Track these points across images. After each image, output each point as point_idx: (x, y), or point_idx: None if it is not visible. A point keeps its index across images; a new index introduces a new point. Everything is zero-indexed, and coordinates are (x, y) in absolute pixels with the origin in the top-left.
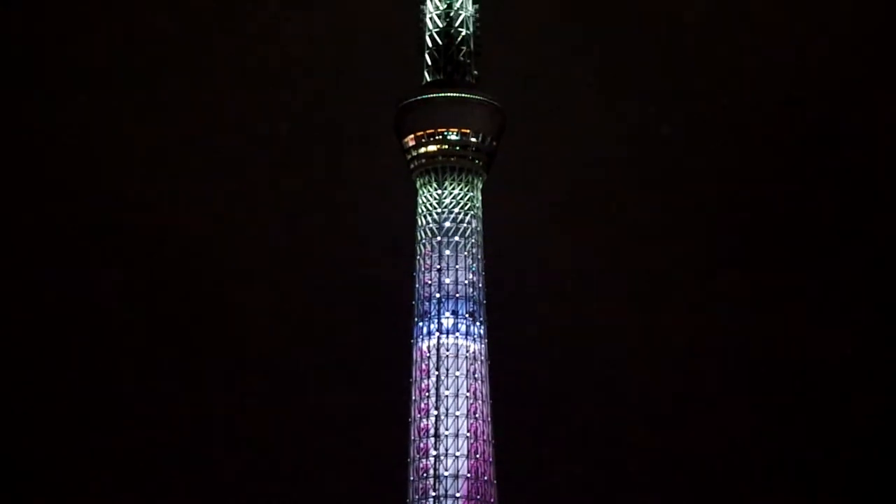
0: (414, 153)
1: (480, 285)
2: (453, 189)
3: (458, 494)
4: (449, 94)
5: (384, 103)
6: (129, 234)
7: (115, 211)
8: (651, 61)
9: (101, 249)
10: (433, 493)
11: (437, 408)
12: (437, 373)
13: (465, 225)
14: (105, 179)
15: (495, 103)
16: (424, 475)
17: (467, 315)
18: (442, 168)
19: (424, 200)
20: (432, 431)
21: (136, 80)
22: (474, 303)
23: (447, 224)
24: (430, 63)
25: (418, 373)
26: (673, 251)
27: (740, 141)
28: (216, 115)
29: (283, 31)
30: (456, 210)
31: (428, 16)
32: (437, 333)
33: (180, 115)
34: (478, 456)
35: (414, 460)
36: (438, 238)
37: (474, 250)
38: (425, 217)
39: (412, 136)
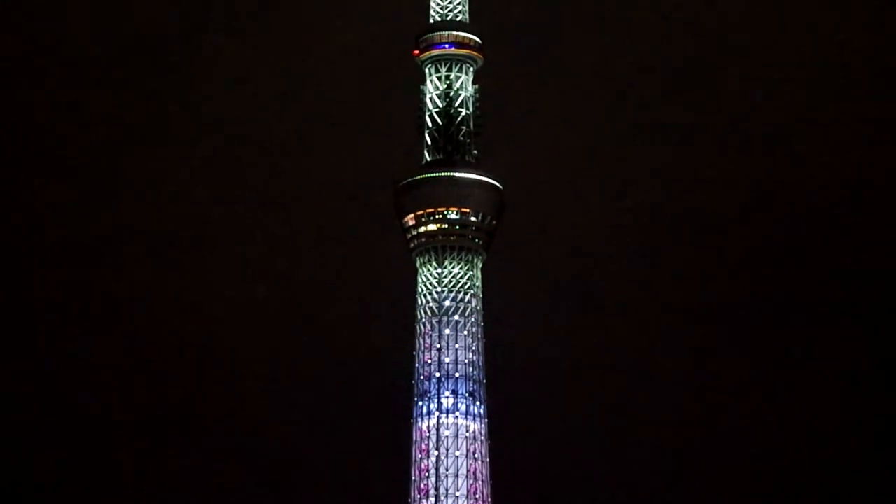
0: (414, 232)
1: (480, 364)
2: (453, 268)
3: None
4: (449, 174)
5: (384, 182)
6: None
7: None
8: (651, 138)
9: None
10: None
11: (436, 488)
12: (436, 453)
13: (464, 304)
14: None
15: (495, 183)
16: None
17: (467, 394)
18: (442, 247)
19: (424, 279)
20: None
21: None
22: (474, 382)
23: (447, 303)
24: (430, 142)
25: (418, 452)
26: (674, 331)
27: (749, 234)
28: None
29: (281, 109)
30: (456, 289)
31: (428, 96)
32: (437, 413)
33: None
34: None
35: None
36: (438, 317)
37: (474, 329)
38: (425, 296)
39: (412, 215)
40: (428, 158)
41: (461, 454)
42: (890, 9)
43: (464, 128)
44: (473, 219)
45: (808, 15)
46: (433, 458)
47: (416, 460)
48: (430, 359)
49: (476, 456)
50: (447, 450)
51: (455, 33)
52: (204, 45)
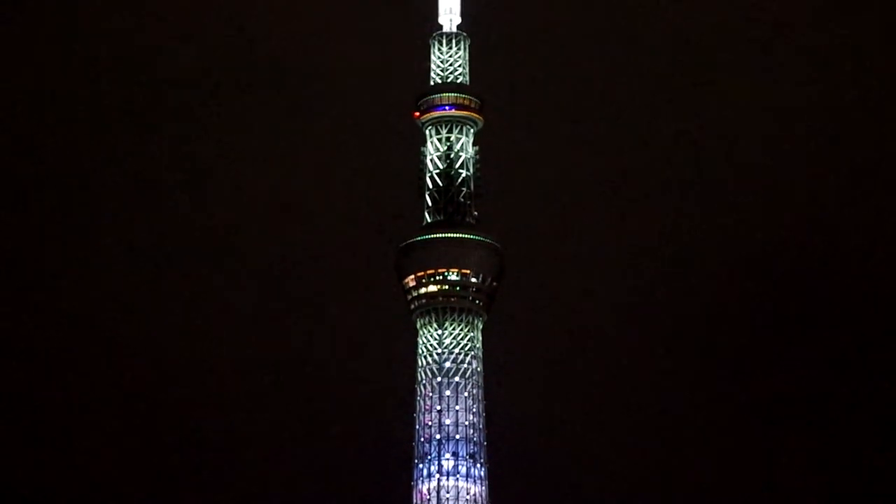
0: (414, 293)
1: (481, 427)
2: (454, 329)
3: None
4: (449, 235)
5: (384, 244)
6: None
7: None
8: (650, 209)
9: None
10: None
11: None
12: None
13: (465, 366)
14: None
15: (495, 244)
16: None
17: (468, 457)
18: (442, 308)
19: (425, 341)
20: None
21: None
22: (475, 444)
23: (447, 364)
24: (430, 204)
25: None
26: (673, 394)
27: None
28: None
29: (279, 170)
30: (456, 350)
31: (428, 157)
32: (438, 475)
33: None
34: None
35: None
36: (439, 379)
37: (475, 391)
38: (425, 357)
39: (412, 276)
40: (428, 220)
41: None
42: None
43: (464, 189)
44: (474, 280)
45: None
46: None
47: None
48: (431, 421)
49: None
50: None
51: (455, 95)
52: (201, 107)
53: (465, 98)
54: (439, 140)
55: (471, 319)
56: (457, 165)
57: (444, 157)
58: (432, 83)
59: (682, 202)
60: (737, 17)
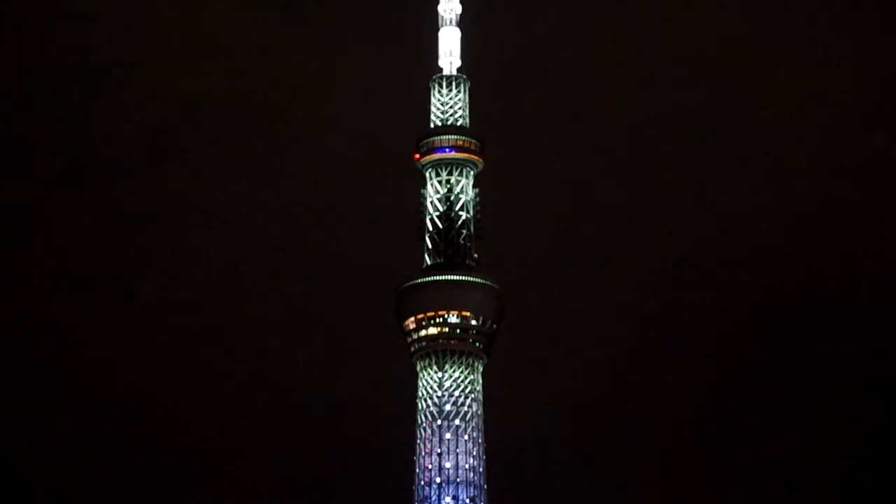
0: (414, 336)
1: (481, 470)
2: (454, 372)
3: None
4: (449, 278)
5: (384, 286)
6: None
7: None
8: (650, 248)
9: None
10: None
11: None
12: None
13: (465, 408)
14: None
15: (495, 286)
16: None
17: (468, 500)
18: (442, 351)
19: (425, 383)
20: None
21: None
22: (475, 487)
23: (447, 407)
24: (430, 246)
25: None
26: (675, 438)
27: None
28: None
29: (279, 213)
30: (456, 393)
31: (428, 199)
32: None
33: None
34: None
35: None
36: (439, 421)
37: (475, 434)
38: (425, 400)
39: (413, 318)
40: (428, 262)
41: None
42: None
43: (464, 231)
44: (474, 322)
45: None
46: None
47: None
48: (431, 464)
49: None
50: None
51: (455, 137)
52: (200, 147)
53: (465, 140)
54: (439, 182)
55: (471, 362)
56: (457, 207)
57: (444, 200)
58: (432, 125)
59: (682, 240)
60: (739, 46)
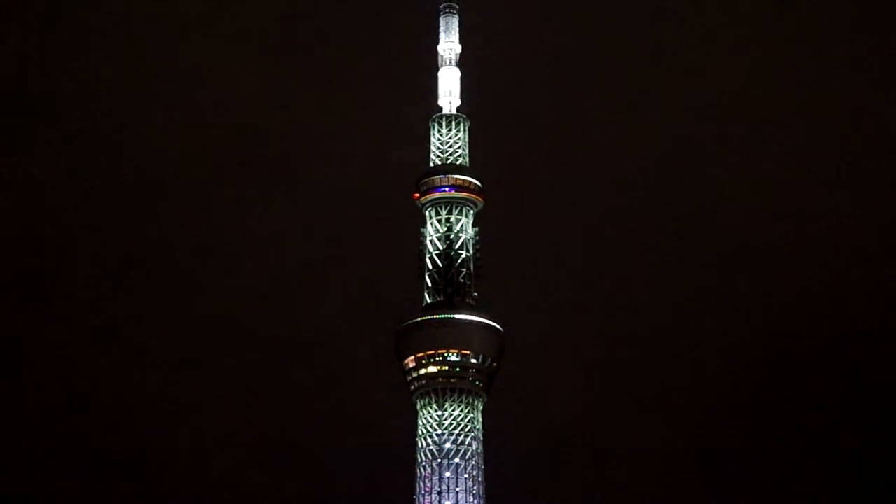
0: (414, 374)
1: None
2: (454, 410)
3: None
4: (449, 316)
5: (384, 324)
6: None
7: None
8: (650, 290)
9: None
10: None
11: None
12: None
13: (465, 447)
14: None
15: (495, 325)
16: None
17: None
18: (442, 389)
19: (425, 422)
20: None
21: None
22: None
23: (447, 446)
24: (430, 284)
25: None
26: (676, 476)
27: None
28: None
29: (278, 252)
30: (456, 432)
31: (428, 238)
32: None
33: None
34: None
35: None
36: (439, 460)
37: (475, 472)
38: (425, 439)
39: (412, 357)
40: (428, 300)
41: None
42: None
43: (464, 270)
44: (474, 361)
45: None
46: None
47: None
48: (431, 503)
49: None
50: None
51: (455, 176)
52: (198, 187)
53: (464, 179)
54: (439, 221)
55: (471, 400)
56: (457, 246)
57: (443, 238)
58: (432, 164)
59: (681, 282)
60: (738, 90)
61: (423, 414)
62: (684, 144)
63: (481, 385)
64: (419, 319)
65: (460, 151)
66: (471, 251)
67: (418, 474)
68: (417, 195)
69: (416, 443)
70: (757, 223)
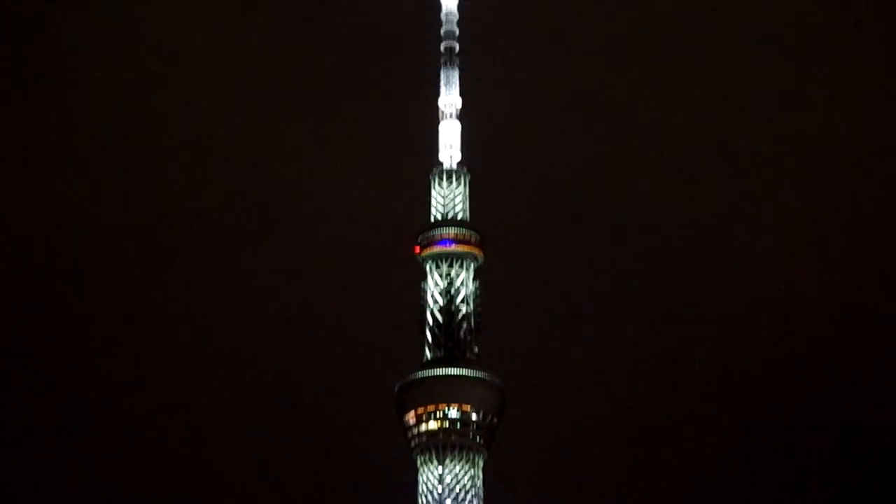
0: (415, 431)
1: None
2: (454, 467)
3: None
4: (449, 372)
5: (385, 381)
6: None
7: None
8: (649, 341)
9: None
10: None
11: None
12: None
13: None
14: None
15: (496, 381)
16: None
17: None
18: (443, 446)
19: (425, 479)
20: None
21: None
22: None
23: (448, 503)
24: (430, 340)
25: None
26: None
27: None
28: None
29: (278, 306)
30: (457, 488)
31: (429, 292)
32: None
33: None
34: None
35: None
36: None
37: None
38: (426, 496)
39: (413, 413)
40: (429, 356)
41: None
42: None
43: (465, 325)
44: (475, 417)
45: None
46: None
47: None
48: None
49: None
50: None
51: (455, 230)
52: (199, 242)
53: (465, 233)
54: (440, 275)
55: (471, 457)
56: (457, 301)
57: (444, 293)
58: (433, 218)
59: (682, 339)
60: (737, 146)
61: (424, 471)
62: (687, 194)
63: (482, 441)
64: (419, 375)
65: (461, 205)
66: (471, 306)
67: None
68: (418, 249)
69: (416, 501)
70: (759, 287)
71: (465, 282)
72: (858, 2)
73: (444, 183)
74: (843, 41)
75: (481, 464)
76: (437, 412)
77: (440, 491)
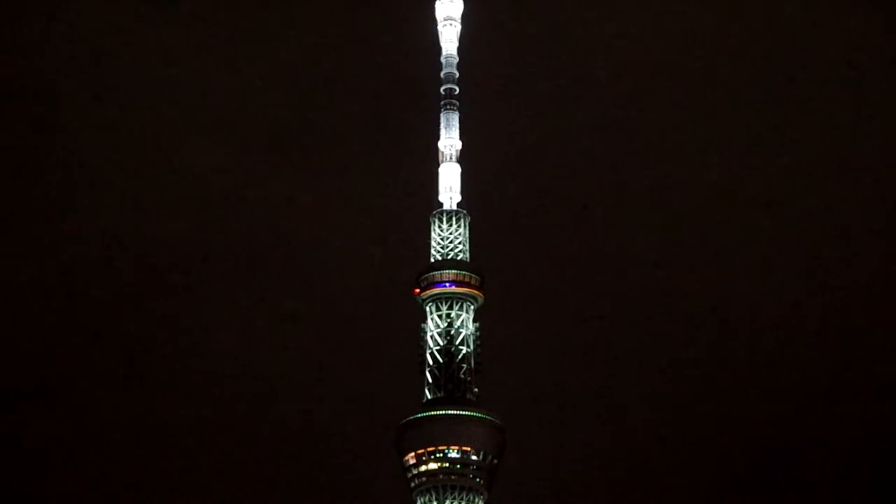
0: (414, 471)
1: None
2: None
3: None
4: (450, 412)
5: (385, 421)
6: None
7: None
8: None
9: None
10: None
11: None
12: None
13: None
14: None
15: (496, 421)
16: None
17: None
18: (443, 486)
19: None
20: None
21: None
22: None
23: None
24: (430, 380)
25: None
26: None
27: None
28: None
29: (279, 349)
30: None
31: (429, 334)
32: None
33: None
34: None
35: None
36: None
37: None
38: None
39: (413, 453)
40: (429, 396)
41: None
42: None
43: (465, 366)
44: (475, 458)
45: None
46: None
47: None
48: None
49: None
50: None
51: (455, 272)
52: (199, 285)
53: (465, 275)
54: (440, 316)
55: (472, 498)
56: (457, 342)
57: (444, 334)
58: (432, 260)
59: (686, 381)
60: (736, 194)
61: None
62: (685, 234)
63: (482, 482)
64: (420, 416)
65: (461, 247)
66: (471, 347)
67: None
68: (418, 291)
69: None
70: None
71: (465, 323)
72: None
73: (444, 225)
74: None
75: None
76: (438, 453)
77: None
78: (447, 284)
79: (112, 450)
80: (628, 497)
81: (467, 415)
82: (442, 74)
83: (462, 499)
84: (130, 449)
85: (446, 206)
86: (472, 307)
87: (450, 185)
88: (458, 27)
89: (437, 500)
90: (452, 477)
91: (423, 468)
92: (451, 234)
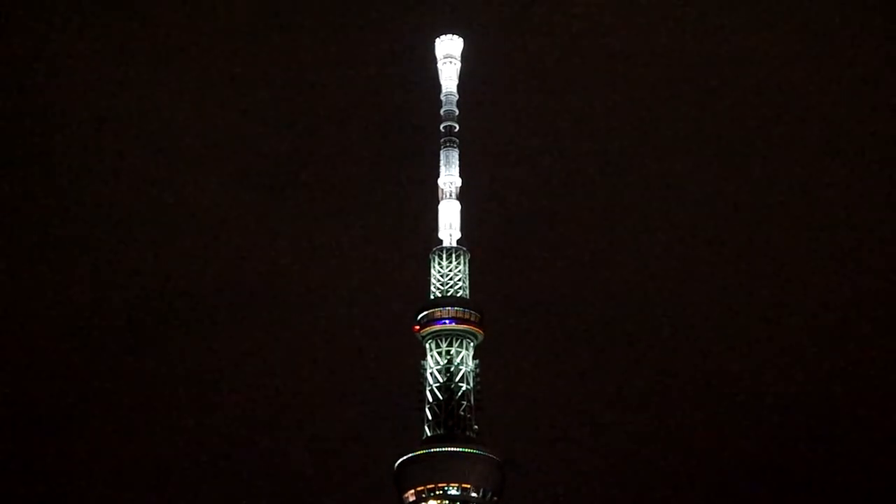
0: None
1: None
2: None
3: None
4: (449, 449)
5: (384, 458)
6: None
7: None
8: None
9: None
10: None
11: None
12: None
13: None
14: None
15: (496, 458)
16: None
17: None
18: None
19: None
20: None
21: None
22: None
23: None
24: (430, 417)
25: None
26: None
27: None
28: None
29: (280, 384)
30: None
31: (428, 371)
32: None
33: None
34: None
35: None
36: None
37: None
38: None
39: (412, 491)
40: (428, 433)
41: None
42: None
43: (464, 402)
44: (474, 495)
45: None
46: None
47: None
48: None
49: None
50: None
51: (455, 309)
52: (203, 321)
53: (465, 312)
54: (439, 353)
55: None
56: (457, 379)
57: (444, 371)
58: (432, 297)
59: (682, 414)
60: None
61: None
62: (684, 268)
63: None
64: (419, 453)
65: (460, 284)
66: (471, 384)
67: None
68: (418, 328)
69: None
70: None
71: (464, 360)
72: None
73: (444, 262)
74: None
75: None
76: (437, 490)
77: None
78: (447, 321)
79: (115, 479)
80: None
81: (467, 452)
82: (441, 112)
83: None
84: (133, 480)
85: (446, 243)
86: (471, 344)
87: (450, 223)
88: (458, 65)
89: None
90: None
91: None
92: (450, 270)
